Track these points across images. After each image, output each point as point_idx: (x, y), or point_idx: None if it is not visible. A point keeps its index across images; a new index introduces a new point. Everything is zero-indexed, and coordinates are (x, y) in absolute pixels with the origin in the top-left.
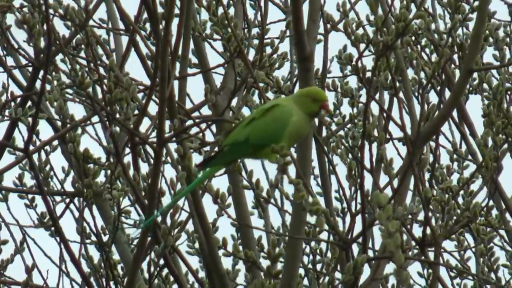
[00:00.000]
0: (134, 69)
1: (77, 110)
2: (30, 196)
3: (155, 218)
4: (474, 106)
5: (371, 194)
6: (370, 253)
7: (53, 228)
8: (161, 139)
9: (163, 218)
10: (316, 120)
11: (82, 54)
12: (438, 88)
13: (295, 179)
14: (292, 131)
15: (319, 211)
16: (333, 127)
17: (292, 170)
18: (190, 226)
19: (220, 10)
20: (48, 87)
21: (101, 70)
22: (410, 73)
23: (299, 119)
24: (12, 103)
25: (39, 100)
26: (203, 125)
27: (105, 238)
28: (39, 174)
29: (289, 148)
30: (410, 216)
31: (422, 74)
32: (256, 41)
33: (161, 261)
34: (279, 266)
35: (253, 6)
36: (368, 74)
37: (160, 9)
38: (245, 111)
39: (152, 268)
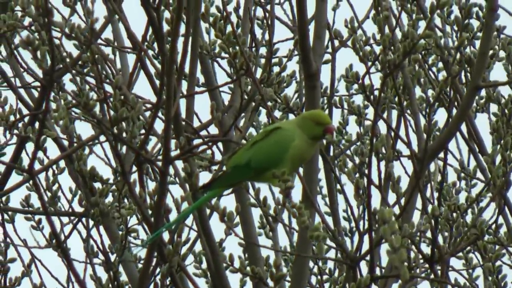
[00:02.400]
0: (142, 88)
1: (84, 129)
2: (37, 217)
3: (160, 234)
4: (483, 124)
5: (377, 211)
6: (378, 271)
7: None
8: (166, 158)
9: (171, 238)
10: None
11: (89, 73)
12: (447, 105)
13: (297, 204)
14: (293, 155)
15: (319, 237)
16: (341, 146)
17: (298, 189)
18: (197, 247)
19: (228, 28)
20: (54, 106)
21: (107, 88)
22: (417, 91)
23: (301, 143)
24: (20, 123)
25: (43, 119)
26: (210, 144)
27: (112, 258)
28: (45, 194)
29: (292, 172)
30: (418, 234)
31: (430, 92)
32: (263, 60)
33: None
34: (287, 285)
35: (260, 25)
36: (375, 92)
37: (166, 27)
38: (253, 131)
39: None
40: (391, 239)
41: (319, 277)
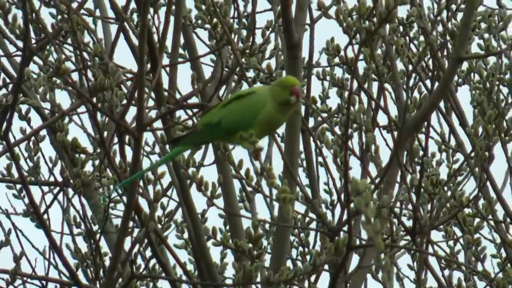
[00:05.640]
0: (125, 58)
1: (65, 99)
2: (19, 186)
3: (130, 181)
4: (464, 96)
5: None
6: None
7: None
8: (140, 125)
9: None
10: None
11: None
12: (429, 78)
13: (267, 166)
14: (263, 121)
15: (286, 199)
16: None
17: (279, 162)
18: (179, 217)
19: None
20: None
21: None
22: (400, 65)
23: (271, 109)
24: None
25: (17, 88)
26: (191, 113)
27: (94, 228)
28: (28, 164)
29: (261, 137)
30: (398, 205)
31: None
32: (245, 32)
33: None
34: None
35: None
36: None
37: None
38: None
39: (135, 256)
40: (365, 209)
41: (301, 249)
